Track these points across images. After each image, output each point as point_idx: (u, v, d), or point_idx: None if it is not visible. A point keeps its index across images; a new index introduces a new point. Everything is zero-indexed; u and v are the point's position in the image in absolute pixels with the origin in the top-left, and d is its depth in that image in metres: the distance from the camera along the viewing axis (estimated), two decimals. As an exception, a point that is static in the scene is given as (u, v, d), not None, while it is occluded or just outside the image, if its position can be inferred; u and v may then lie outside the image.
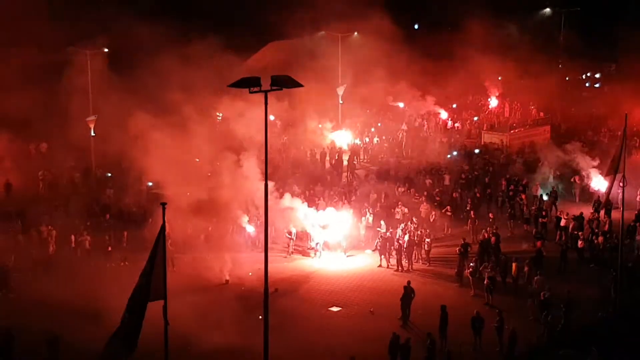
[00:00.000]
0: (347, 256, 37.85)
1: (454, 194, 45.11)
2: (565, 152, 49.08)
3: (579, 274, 35.14)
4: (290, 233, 38.21)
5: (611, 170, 33.69)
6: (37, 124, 48.19)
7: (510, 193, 45.16)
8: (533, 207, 42.92)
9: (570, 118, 66.92)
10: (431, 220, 41.12)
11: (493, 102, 72.00)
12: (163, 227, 19.51)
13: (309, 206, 39.74)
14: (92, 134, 49.38)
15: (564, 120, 66.66)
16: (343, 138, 58.34)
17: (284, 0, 59.69)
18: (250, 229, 38.29)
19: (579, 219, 39.52)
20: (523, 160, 52.08)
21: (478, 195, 45.01)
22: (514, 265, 33.69)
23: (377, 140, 61.07)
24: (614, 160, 33.69)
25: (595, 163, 46.80)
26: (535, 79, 68.68)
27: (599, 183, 45.31)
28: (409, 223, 38.84)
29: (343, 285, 34.41)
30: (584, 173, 46.85)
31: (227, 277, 34.36)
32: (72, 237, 37.04)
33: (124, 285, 19.77)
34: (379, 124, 63.38)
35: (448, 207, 42.09)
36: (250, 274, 34.46)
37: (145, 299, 19.21)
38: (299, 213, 38.13)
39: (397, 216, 41.19)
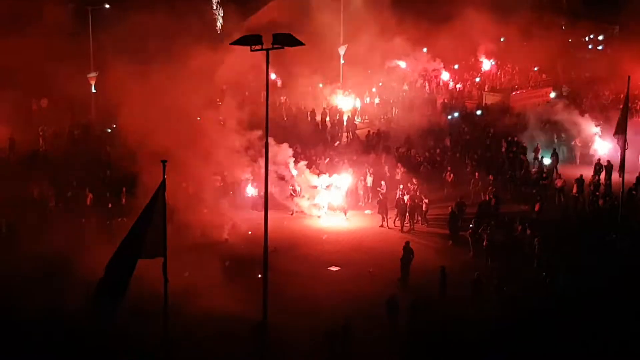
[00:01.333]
0: (347, 218, 37.88)
1: (456, 155, 45.16)
2: (567, 114, 49.03)
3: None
4: (294, 191, 38.14)
5: (619, 130, 33.64)
6: (39, 79, 47.94)
7: (511, 155, 45.09)
8: (534, 169, 42.99)
9: (572, 80, 66.66)
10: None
11: (486, 65, 71.58)
12: (163, 183, 19.35)
13: (309, 166, 39.80)
14: (93, 90, 49.22)
15: (566, 83, 66.37)
16: (344, 98, 58.17)
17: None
18: (251, 190, 38.27)
19: (580, 181, 39.54)
20: (524, 122, 51.87)
21: (477, 156, 45.00)
22: (518, 227, 33.68)
23: (378, 101, 60.84)
24: (621, 122, 33.70)
25: (597, 125, 46.81)
26: (538, 41, 68.29)
27: (600, 146, 45.36)
28: (409, 184, 38.86)
29: (343, 245, 34.51)
30: (585, 135, 46.87)
31: (227, 236, 34.44)
32: (87, 192, 36.88)
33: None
34: (380, 84, 63.11)
35: (449, 169, 42.06)
36: (250, 232, 34.49)
37: (137, 254, 19.00)
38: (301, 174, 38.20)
39: (397, 177, 41.19)
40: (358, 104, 58.91)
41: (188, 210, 34.70)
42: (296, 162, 38.74)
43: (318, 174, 39.27)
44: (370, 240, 35.27)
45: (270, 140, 27.59)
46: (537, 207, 36.66)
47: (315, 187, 38.25)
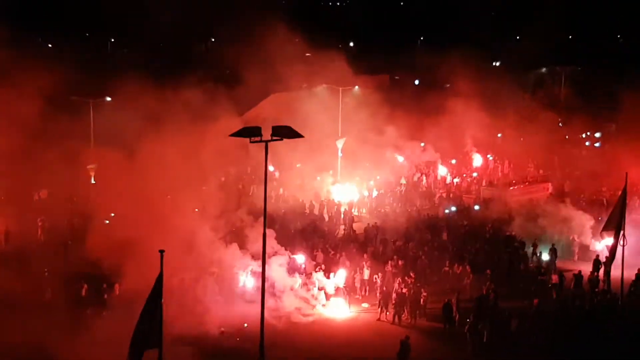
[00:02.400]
0: (349, 309, 37.63)
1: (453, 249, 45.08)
2: (565, 210, 49.12)
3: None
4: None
5: (610, 226, 33.81)
6: (39, 170, 48.20)
7: (509, 250, 44.97)
8: (532, 265, 42.87)
9: (569, 176, 67.00)
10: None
11: (483, 160, 72.16)
12: (161, 275, 19.55)
13: (306, 259, 39.80)
14: (93, 181, 49.42)
15: (563, 178, 66.71)
16: (342, 190, 58.39)
17: (286, 55, 60.16)
18: (250, 282, 38.09)
19: (579, 277, 39.37)
20: (523, 217, 51.86)
21: (475, 250, 44.87)
22: (512, 322, 33.31)
23: (376, 193, 61.03)
24: (613, 217, 33.87)
25: (594, 222, 46.85)
26: (535, 137, 68.98)
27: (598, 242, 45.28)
28: (406, 277, 38.64)
29: (342, 339, 34.12)
30: (584, 231, 46.85)
31: (223, 328, 33.99)
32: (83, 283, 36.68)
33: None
34: (377, 177, 63.47)
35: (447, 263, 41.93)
36: (245, 325, 34.06)
37: (144, 346, 19.30)
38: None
39: (394, 270, 40.97)
40: (356, 196, 59.05)
41: (182, 301, 34.63)
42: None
43: (315, 267, 39.33)
44: (368, 332, 34.85)
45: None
46: (535, 302, 36.36)
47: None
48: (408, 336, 30.86)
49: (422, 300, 36.58)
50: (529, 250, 45.00)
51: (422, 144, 68.27)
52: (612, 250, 34.59)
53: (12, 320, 32.86)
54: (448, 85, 67.95)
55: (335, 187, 58.59)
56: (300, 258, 40.58)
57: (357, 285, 39.77)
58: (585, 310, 36.24)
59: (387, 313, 36.54)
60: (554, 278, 39.91)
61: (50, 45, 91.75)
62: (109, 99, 54.76)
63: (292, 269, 39.42)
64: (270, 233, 36.81)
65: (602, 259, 40.99)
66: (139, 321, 19.75)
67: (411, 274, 39.12)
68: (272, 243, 37.73)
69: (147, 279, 20.32)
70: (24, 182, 48.68)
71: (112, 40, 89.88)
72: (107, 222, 46.02)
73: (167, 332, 19.63)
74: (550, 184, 63.27)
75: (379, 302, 37.16)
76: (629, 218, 35.81)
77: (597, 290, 38.58)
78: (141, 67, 48.79)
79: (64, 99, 54.01)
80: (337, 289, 38.08)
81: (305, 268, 40.13)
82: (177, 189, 39.86)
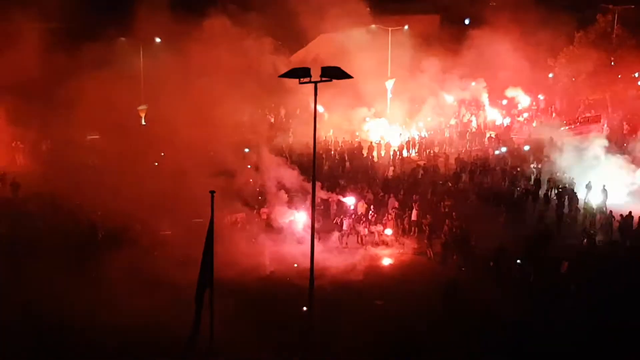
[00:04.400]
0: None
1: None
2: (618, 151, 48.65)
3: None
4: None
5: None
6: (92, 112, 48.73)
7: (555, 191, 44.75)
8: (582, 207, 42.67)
9: (621, 117, 65.94)
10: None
11: (526, 101, 71.30)
12: (212, 217, 20.06)
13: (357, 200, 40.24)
14: (143, 122, 49.92)
15: (613, 118, 65.72)
16: (391, 131, 58.36)
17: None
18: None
19: (630, 217, 39.15)
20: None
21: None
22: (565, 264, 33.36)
23: (426, 135, 60.83)
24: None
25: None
26: (587, 76, 67.83)
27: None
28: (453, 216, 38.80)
29: (391, 279, 34.49)
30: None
31: (272, 269, 34.52)
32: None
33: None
34: (429, 119, 63.16)
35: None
36: (295, 265, 34.56)
37: (205, 287, 20.07)
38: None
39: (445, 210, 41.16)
40: (405, 137, 59.00)
41: (234, 242, 35.15)
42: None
43: (365, 208, 39.74)
44: (416, 272, 35.23)
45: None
46: (585, 242, 36.29)
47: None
48: (456, 278, 31.02)
49: (472, 241, 36.68)
50: (583, 191, 44.47)
51: (473, 83, 67.66)
52: None
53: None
54: (498, 25, 66.81)
55: (385, 128, 58.53)
56: (350, 200, 40.91)
57: (407, 225, 40.00)
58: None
59: (434, 254, 36.84)
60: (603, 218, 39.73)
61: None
62: (158, 40, 54.89)
63: (341, 211, 39.93)
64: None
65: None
66: (202, 263, 20.40)
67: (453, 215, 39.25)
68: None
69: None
70: (75, 125, 49.33)
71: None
72: (157, 164, 46.71)
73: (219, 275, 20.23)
74: (601, 123, 62.39)
75: (427, 241, 37.39)
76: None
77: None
78: (190, 9, 48.52)
79: (114, 41, 54.33)
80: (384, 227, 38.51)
81: (355, 209, 40.46)
82: (227, 128, 40.28)
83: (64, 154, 44.80)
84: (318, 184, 38.23)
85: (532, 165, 50.55)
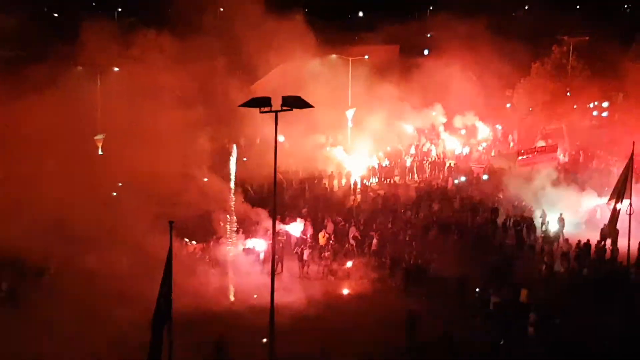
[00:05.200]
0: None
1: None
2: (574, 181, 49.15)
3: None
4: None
5: (614, 196, 34.05)
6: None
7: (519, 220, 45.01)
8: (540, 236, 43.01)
9: (577, 146, 66.88)
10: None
11: (484, 131, 72.07)
12: (170, 247, 19.83)
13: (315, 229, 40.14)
14: (100, 152, 49.35)
15: (570, 148, 66.62)
16: (351, 160, 58.45)
17: (294, 26, 59.83)
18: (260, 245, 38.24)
19: (587, 246, 39.52)
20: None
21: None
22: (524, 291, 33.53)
23: (387, 163, 61.01)
24: (617, 187, 34.08)
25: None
26: (544, 106, 68.77)
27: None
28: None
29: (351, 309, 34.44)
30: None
31: (232, 298, 34.16)
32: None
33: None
34: (388, 148, 63.41)
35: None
36: (255, 296, 34.17)
37: (164, 320, 19.69)
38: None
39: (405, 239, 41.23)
40: (365, 167, 59.08)
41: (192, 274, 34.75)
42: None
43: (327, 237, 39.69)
44: (377, 302, 35.02)
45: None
46: (544, 270, 36.59)
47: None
48: (417, 309, 31.04)
49: (432, 270, 36.69)
50: (538, 220, 44.92)
51: (434, 113, 68.35)
52: (614, 215, 34.88)
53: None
54: (457, 56, 67.61)
55: (345, 158, 58.60)
56: (298, 227, 40.74)
57: (367, 255, 39.94)
58: (593, 279, 36.42)
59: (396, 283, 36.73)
60: (564, 247, 40.08)
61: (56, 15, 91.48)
62: (116, 69, 54.49)
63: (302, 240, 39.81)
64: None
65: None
66: (159, 295, 20.02)
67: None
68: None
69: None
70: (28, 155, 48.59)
71: (120, 10, 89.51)
72: (115, 194, 46.15)
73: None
74: (557, 152, 63.18)
75: (389, 271, 37.32)
76: (636, 187, 35.87)
77: (606, 258, 38.74)
78: (150, 36, 48.30)
79: (71, 68, 53.72)
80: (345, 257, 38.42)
81: (310, 236, 40.34)
82: (185, 160, 40.00)
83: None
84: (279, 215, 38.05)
85: (491, 195, 50.84)
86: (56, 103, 41.75)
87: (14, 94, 41.87)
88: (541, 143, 65.91)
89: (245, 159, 47.59)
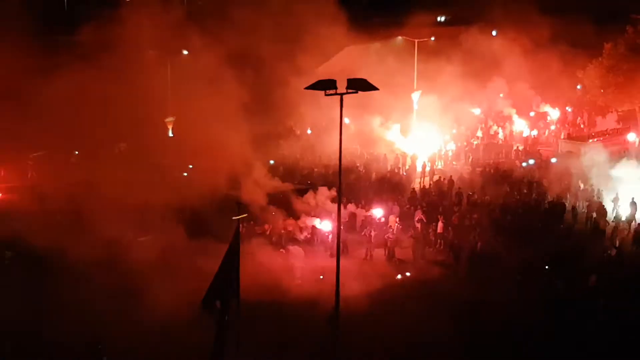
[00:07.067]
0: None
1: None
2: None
3: None
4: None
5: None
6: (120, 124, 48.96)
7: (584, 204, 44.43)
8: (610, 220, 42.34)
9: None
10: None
11: (562, 113, 70.97)
12: (238, 226, 20.09)
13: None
14: (170, 134, 50.12)
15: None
16: (418, 144, 58.21)
17: (361, 6, 59.65)
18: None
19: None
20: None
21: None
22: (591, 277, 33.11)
23: (453, 147, 60.62)
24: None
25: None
26: (617, 88, 67.31)
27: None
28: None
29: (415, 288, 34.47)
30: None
31: (299, 280, 34.39)
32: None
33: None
34: (454, 131, 62.97)
35: None
36: (321, 277, 34.40)
37: (219, 295, 19.95)
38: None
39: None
40: (431, 150, 58.79)
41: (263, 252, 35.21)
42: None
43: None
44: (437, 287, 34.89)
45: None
46: (614, 255, 36.02)
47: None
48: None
49: (495, 254, 36.39)
50: (610, 204, 44.08)
51: (501, 95, 67.59)
52: None
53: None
54: (525, 37, 66.64)
55: (411, 141, 58.39)
56: (378, 212, 40.84)
57: (432, 238, 39.82)
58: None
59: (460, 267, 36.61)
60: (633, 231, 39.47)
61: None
62: (185, 52, 55.07)
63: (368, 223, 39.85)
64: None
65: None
66: (218, 270, 20.27)
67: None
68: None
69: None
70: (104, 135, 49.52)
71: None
72: (185, 174, 46.87)
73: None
74: (628, 135, 61.88)
75: (454, 256, 37.20)
76: None
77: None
78: (216, 20, 48.63)
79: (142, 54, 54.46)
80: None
81: (385, 222, 40.37)
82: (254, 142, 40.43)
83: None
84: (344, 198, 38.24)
85: (560, 178, 50.10)
86: (130, 86, 42.55)
87: (88, 78, 42.86)
88: (613, 126, 64.64)
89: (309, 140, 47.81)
